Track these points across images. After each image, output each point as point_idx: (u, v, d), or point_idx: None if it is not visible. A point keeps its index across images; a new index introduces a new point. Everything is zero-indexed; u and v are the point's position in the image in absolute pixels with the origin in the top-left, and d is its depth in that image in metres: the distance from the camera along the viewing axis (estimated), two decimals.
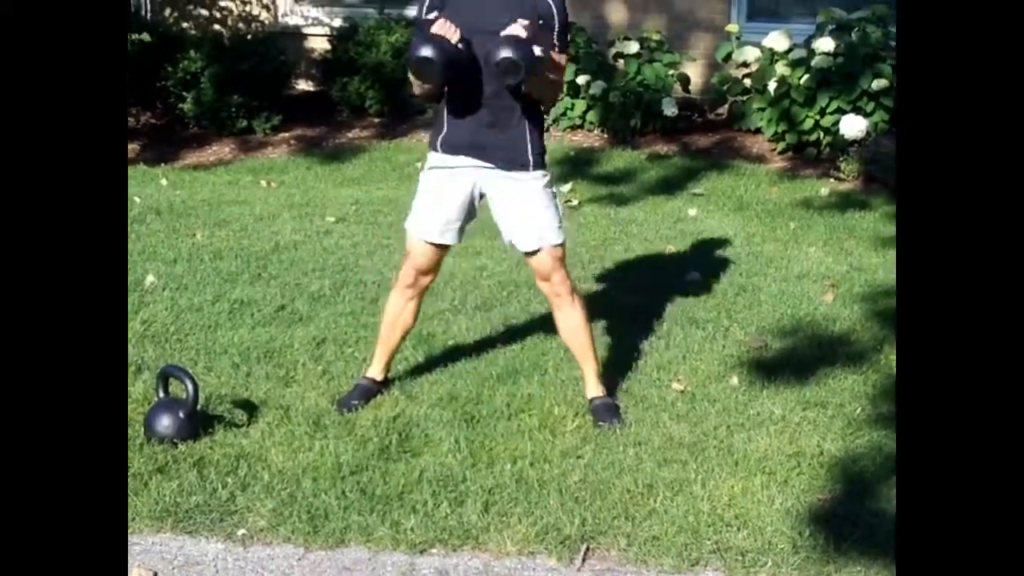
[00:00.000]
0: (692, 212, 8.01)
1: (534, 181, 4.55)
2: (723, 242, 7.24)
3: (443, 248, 4.71)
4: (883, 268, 6.72)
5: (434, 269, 4.78)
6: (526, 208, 4.56)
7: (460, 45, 4.33)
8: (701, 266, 6.70)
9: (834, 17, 9.84)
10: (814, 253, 7.06)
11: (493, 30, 4.30)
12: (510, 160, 4.52)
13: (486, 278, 6.44)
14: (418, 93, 4.62)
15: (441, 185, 4.60)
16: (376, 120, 10.86)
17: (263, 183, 8.94)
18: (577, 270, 6.40)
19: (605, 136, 10.29)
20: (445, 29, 4.32)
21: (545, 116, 4.89)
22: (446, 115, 4.57)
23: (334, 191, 8.68)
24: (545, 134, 4.71)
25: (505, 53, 4.19)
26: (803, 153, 9.65)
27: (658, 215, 7.96)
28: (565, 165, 9.26)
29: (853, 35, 9.60)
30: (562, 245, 4.63)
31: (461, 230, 4.70)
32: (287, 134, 10.55)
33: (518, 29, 4.25)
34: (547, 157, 4.65)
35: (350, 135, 10.53)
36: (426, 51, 4.27)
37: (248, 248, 7.03)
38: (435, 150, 4.61)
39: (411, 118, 10.71)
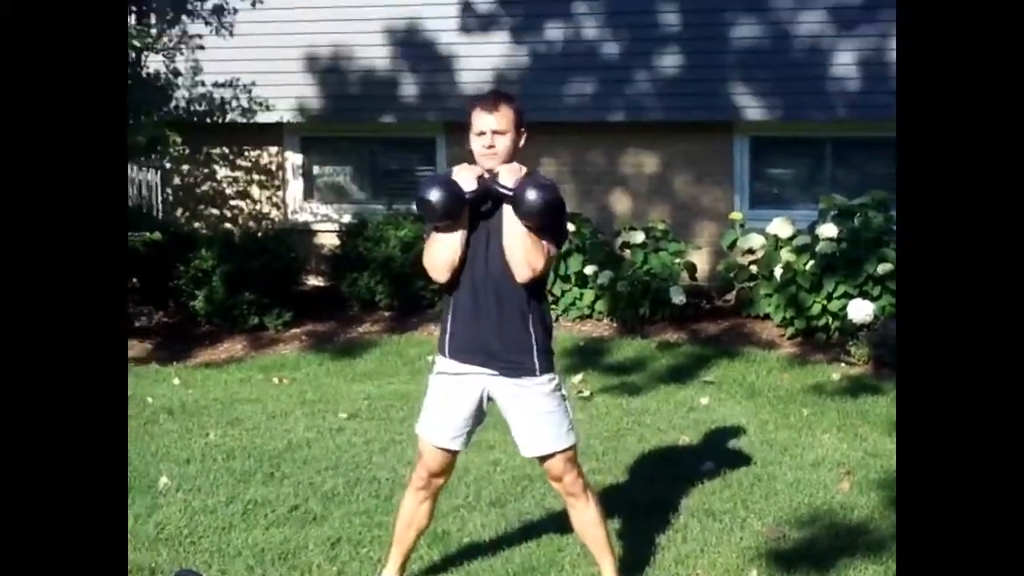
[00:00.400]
0: (704, 400, 8.02)
1: (541, 386, 4.55)
2: (736, 430, 7.23)
3: (454, 452, 4.70)
4: None
5: (447, 471, 4.77)
6: (535, 415, 4.55)
7: (469, 195, 4.40)
8: (716, 456, 6.68)
9: (836, 203, 10.01)
10: (828, 440, 7.04)
11: (499, 233, 4.41)
12: (516, 367, 4.52)
13: (500, 472, 6.41)
14: (428, 261, 4.59)
15: (449, 391, 4.61)
16: (386, 314, 10.96)
17: (275, 380, 8.98)
18: (591, 462, 6.38)
19: (614, 325, 10.37)
20: (465, 176, 4.42)
21: (552, 307, 4.89)
22: (452, 317, 4.60)
23: (346, 386, 8.71)
24: (554, 325, 4.73)
25: (536, 196, 4.30)
26: (812, 338, 9.70)
27: (670, 404, 7.96)
28: (575, 356, 9.31)
29: (855, 220, 9.75)
30: (573, 447, 4.63)
31: (470, 435, 4.70)
32: (298, 330, 10.64)
33: (512, 170, 4.39)
34: (554, 357, 4.66)
35: (361, 330, 10.62)
36: (431, 194, 4.37)
37: (261, 447, 7.03)
38: (443, 354, 4.63)
39: (421, 311, 10.82)
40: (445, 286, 4.59)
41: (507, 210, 4.40)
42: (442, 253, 4.47)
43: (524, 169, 4.46)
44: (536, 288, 4.54)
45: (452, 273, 4.49)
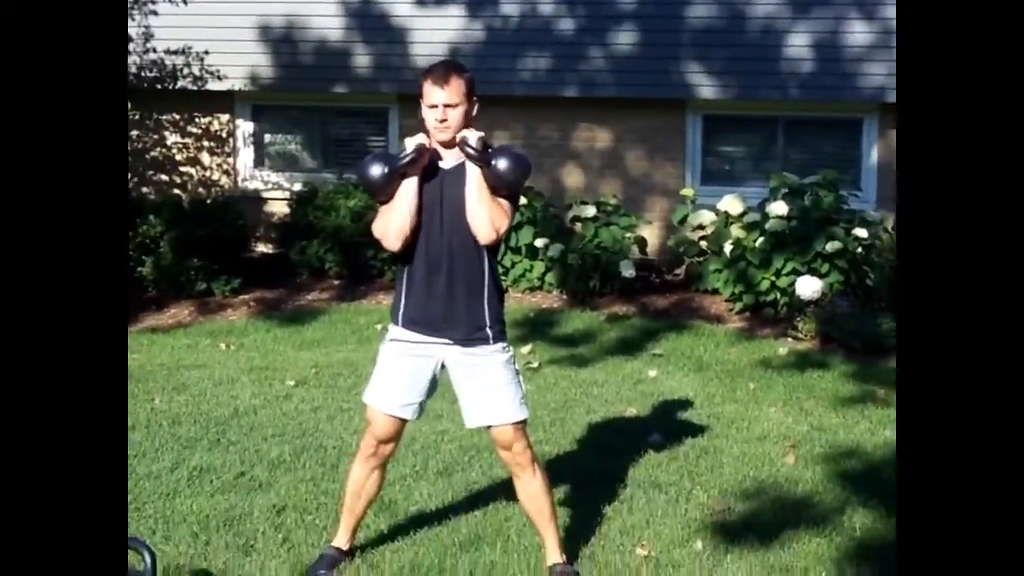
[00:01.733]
0: (652, 373, 8.05)
1: (495, 355, 4.55)
2: (684, 403, 7.26)
3: (403, 420, 4.69)
4: (843, 428, 6.75)
5: (395, 439, 4.75)
6: (488, 385, 4.55)
7: (404, 161, 4.41)
8: (663, 428, 6.70)
9: (786, 182, 10.05)
10: (774, 413, 7.09)
11: (453, 202, 4.42)
12: (470, 336, 4.52)
13: (447, 442, 6.41)
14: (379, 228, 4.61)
15: (402, 360, 4.60)
16: (336, 282, 10.92)
17: (222, 346, 8.92)
18: (538, 433, 6.39)
19: (564, 297, 10.38)
20: (408, 142, 4.45)
21: (502, 278, 4.89)
22: (406, 287, 4.58)
23: (294, 354, 8.67)
24: (504, 296, 4.74)
25: (514, 164, 4.41)
26: (760, 313, 9.76)
27: (618, 376, 7.99)
28: (525, 326, 9.32)
29: (806, 199, 9.80)
30: (524, 419, 4.63)
31: (421, 407, 4.69)
32: (246, 296, 10.58)
33: (476, 134, 4.41)
34: (506, 328, 4.66)
35: (309, 297, 10.57)
36: (364, 171, 4.49)
37: (207, 413, 6.98)
38: (396, 323, 4.61)
39: (371, 280, 10.78)
40: (399, 256, 4.58)
41: (469, 173, 4.40)
42: (393, 222, 4.47)
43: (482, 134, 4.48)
44: (490, 257, 4.54)
45: (405, 242, 4.48)
